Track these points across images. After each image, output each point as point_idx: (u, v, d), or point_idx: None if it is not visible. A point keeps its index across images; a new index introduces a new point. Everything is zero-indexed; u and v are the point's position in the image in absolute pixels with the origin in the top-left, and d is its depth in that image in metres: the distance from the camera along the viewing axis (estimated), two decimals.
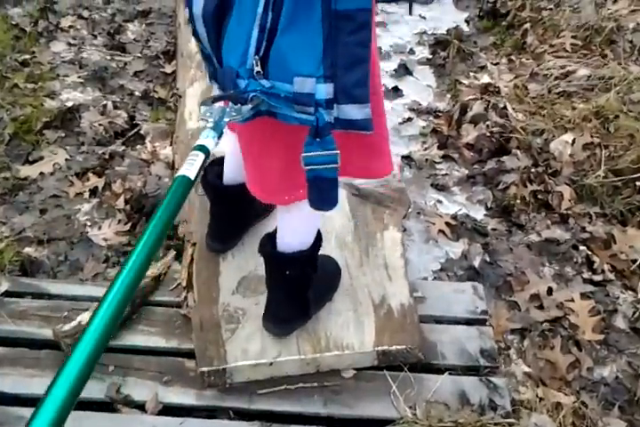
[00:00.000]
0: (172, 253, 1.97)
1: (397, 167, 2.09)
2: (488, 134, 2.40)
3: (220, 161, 1.67)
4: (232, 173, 1.63)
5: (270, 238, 1.48)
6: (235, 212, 1.71)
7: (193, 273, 1.79)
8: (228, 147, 1.59)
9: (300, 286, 1.52)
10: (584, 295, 1.94)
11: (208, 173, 1.67)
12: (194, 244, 1.86)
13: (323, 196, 1.11)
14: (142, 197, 2.22)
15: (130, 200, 2.20)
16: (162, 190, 2.26)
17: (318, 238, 1.49)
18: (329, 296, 1.68)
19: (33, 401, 1.63)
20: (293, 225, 1.45)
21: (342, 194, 1.98)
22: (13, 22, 2.88)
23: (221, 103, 1.07)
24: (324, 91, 0.98)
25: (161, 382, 1.63)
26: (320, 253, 1.54)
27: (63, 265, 2.03)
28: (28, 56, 2.75)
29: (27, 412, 1.56)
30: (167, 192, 0.86)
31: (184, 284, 1.82)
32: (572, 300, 1.92)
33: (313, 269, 1.51)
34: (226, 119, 1.01)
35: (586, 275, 2.01)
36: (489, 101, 2.52)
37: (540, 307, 1.93)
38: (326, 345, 1.60)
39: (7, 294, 1.86)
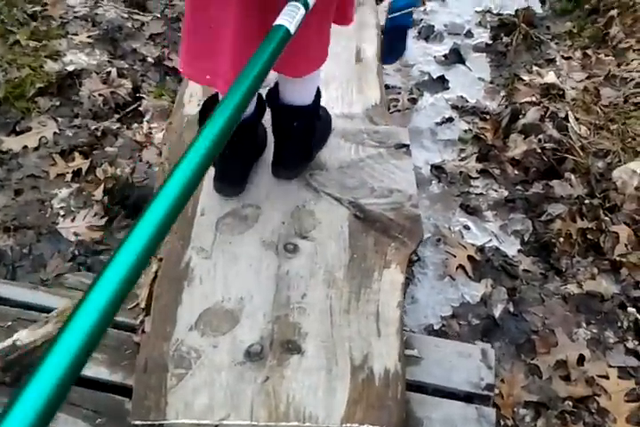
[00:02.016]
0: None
1: (414, 185, 1.73)
2: (539, 150, 1.99)
3: (216, 97, 1.57)
4: None
5: (277, 93, 1.55)
6: (246, 146, 1.67)
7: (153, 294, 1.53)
8: None
9: (306, 136, 1.64)
10: (623, 372, 1.58)
11: (210, 109, 1.45)
12: (160, 259, 1.59)
13: (393, 46, 1.50)
14: (128, 186, 1.96)
15: (112, 190, 1.94)
16: (150, 181, 1.99)
17: (318, 93, 1.60)
18: (326, 139, 1.79)
19: None
20: (298, 88, 1.53)
21: (344, 215, 1.65)
22: None
23: None
24: None
25: (93, 423, 1.40)
26: None
27: (26, 259, 1.81)
28: (38, 8, 2.47)
29: None
30: (263, 42, 0.84)
31: (142, 305, 1.57)
32: (607, 376, 1.56)
33: (317, 119, 1.65)
34: None
35: (630, 344, 1.64)
36: (547, 108, 2.09)
37: (566, 378, 1.59)
38: (285, 412, 1.32)
39: None
